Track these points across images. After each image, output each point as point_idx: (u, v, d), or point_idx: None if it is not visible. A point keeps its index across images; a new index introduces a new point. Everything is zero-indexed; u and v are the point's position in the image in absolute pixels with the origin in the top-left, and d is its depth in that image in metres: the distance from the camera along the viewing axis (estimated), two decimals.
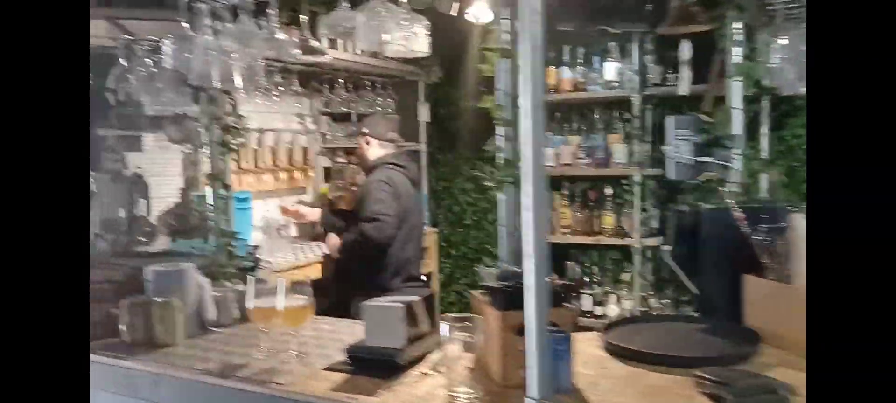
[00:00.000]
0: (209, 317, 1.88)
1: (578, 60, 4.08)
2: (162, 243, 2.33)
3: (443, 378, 1.45)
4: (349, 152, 4.39)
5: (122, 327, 1.77)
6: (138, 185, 2.52)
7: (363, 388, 1.40)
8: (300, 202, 3.85)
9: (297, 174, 3.92)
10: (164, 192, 2.64)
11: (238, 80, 1.77)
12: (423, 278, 3.33)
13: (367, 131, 3.25)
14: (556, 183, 4.32)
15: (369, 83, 3.93)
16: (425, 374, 1.48)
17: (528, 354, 1.13)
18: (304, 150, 4.00)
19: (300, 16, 1.69)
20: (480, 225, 4.76)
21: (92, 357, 1.69)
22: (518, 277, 1.46)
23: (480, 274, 1.54)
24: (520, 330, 1.37)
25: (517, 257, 1.88)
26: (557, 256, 4.46)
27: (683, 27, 1.86)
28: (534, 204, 1.12)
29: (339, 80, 3.83)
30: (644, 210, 3.99)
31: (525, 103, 1.11)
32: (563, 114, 4.29)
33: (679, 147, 1.70)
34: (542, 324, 1.13)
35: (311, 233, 3.95)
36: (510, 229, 1.76)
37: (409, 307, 1.57)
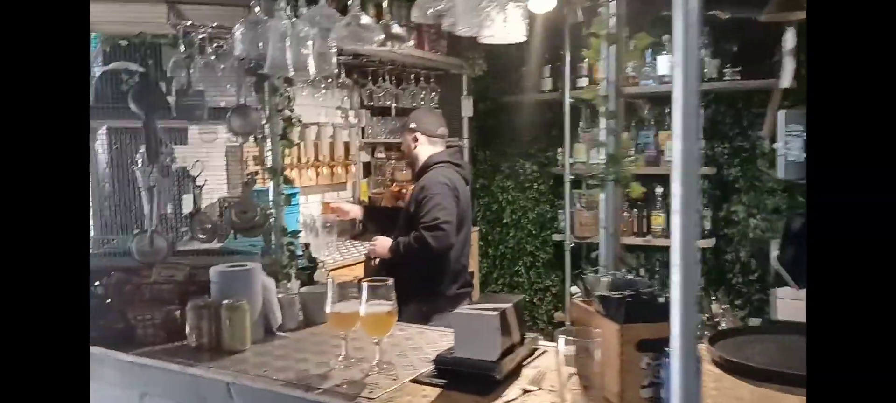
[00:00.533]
0: (276, 321, 1.77)
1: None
2: (215, 241, 2.22)
3: (549, 395, 1.32)
4: (389, 147, 4.28)
5: (188, 331, 1.66)
6: (183, 180, 2.42)
7: None
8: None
9: (338, 169, 3.82)
10: (208, 187, 2.53)
11: (312, 69, 1.66)
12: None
13: (414, 127, 3.06)
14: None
15: (413, 76, 3.80)
16: (527, 391, 1.35)
17: (673, 377, 1.00)
18: (346, 145, 3.89)
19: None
20: (520, 225, 4.63)
21: (157, 363, 1.59)
22: (633, 285, 1.34)
23: (588, 282, 1.41)
24: (641, 346, 1.25)
25: (620, 263, 1.76)
26: None
27: (787, 15, 1.72)
28: (684, 206, 0.99)
29: (384, 73, 3.70)
30: (697, 211, 3.82)
31: (677, 90, 0.98)
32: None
33: (790, 143, 1.56)
34: (690, 343, 1.00)
35: (350, 232, 3.85)
36: (611, 232, 1.63)
37: (503, 315, 1.45)
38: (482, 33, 1.38)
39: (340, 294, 1.52)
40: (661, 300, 1.27)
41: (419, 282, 2.71)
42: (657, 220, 3.98)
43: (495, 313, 1.43)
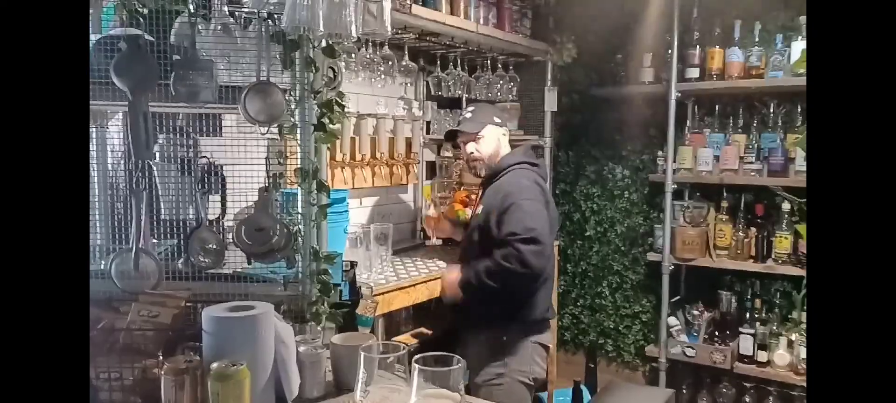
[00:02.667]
0: (291, 391, 1.24)
1: (754, 39, 3.21)
2: (231, 262, 1.72)
3: None
4: (456, 146, 3.73)
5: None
6: (210, 180, 1.94)
7: None
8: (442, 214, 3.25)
9: (397, 169, 3.29)
10: (245, 190, 2.06)
11: (353, 27, 1.11)
12: None
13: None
14: (713, 192, 3.49)
15: (489, 61, 3.23)
16: None
17: None
18: (408, 141, 3.36)
19: None
20: (605, 239, 3.98)
21: None
22: None
23: None
24: None
25: None
26: (709, 284, 3.63)
27: None
28: None
29: (455, 57, 3.14)
30: None
31: None
32: (725, 107, 3.44)
33: None
34: None
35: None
36: None
37: None
38: None
39: (374, 371, 0.97)
40: None
41: (497, 308, 2.21)
42: (782, 243, 3.24)
43: None
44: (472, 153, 2.50)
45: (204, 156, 1.59)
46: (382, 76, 2.80)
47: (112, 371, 1.22)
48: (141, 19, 1.61)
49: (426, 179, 3.65)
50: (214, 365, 1.12)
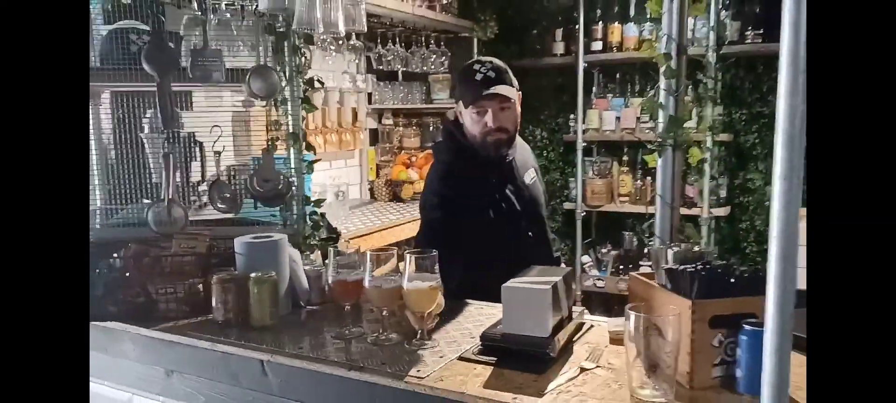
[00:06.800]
0: (304, 294, 1.68)
1: (647, 15, 3.80)
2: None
3: (609, 374, 1.25)
4: (396, 113, 4.16)
5: (214, 305, 1.56)
6: (191, 147, 2.29)
7: (524, 386, 1.19)
8: None
9: (346, 136, 3.69)
10: (215, 155, 2.42)
11: (341, 25, 1.54)
12: None
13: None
14: (616, 148, 4.10)
15: (423, 38, 3.67)
16: (585, 369, 1.28)
17: (766, 358, 0.93)
18: (354, 111, 3.76)
19: None
20: None
21: (184, 339, 1.50)
22: (702, 258, 1.26)
23: (654, 255, 1.32)
24: (713, 323, 1.17)
25: (678, 235, 1.68)
26: (614, 226, 4.27)
27: None
28: (788, 172, 0.89)
29: (393, 35, 3.56)
30: (713, 178, 3.76)
31: (785, 45, 0.87)
32: (624, 75, 4.05)
33: None
34: (786, 323, 0.92)
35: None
36: (668, 201, 1.54)
37: (555, 289, 1.36)
38: None
39: (376, 268, 1.43)
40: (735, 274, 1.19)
41: None
42: None
43: (547, 286, 1.35)
44: (500, 126, 1.91)
45: (216, 126, 1.95)
46: (332, 52, 3.18)
47: (166, 288, 1.62)
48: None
49: (370, 145, 4.06)
50: (253, 274, 1.54)
